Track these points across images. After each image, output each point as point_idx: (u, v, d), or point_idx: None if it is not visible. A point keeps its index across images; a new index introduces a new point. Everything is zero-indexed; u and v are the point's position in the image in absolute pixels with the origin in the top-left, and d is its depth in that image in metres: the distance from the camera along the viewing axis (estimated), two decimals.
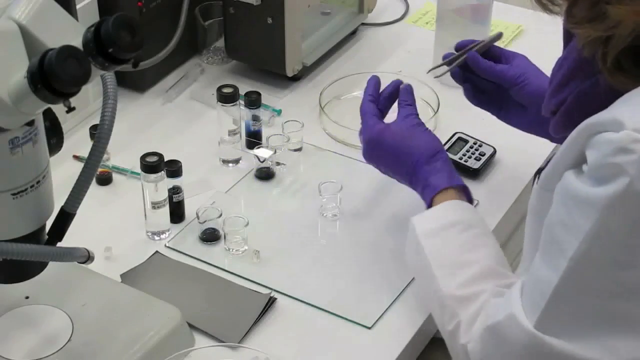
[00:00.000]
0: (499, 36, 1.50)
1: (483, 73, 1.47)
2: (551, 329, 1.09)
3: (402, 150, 1.39)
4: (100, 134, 1.11)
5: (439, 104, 1.71)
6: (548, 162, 1.17)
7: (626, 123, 1.01)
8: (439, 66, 1.50)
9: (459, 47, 1.49)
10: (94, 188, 1.52)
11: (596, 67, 1.08)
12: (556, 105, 1.17)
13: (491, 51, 1.49)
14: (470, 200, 1.36)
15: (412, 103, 1.45)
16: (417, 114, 1.44)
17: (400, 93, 1.47)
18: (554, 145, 1.62)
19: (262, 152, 1.57)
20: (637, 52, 1.05)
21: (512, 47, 1.89)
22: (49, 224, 1.15)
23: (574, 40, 1.12)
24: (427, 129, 1.42)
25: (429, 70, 1.55)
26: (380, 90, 1.48)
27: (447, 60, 1.49)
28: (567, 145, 1.10)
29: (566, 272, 1.07)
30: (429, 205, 1.34)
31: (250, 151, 1.59)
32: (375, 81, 1.49)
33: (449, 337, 1.23)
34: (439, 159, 1.37)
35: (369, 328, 1.34)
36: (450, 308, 1.22)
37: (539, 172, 1.21)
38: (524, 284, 1.14)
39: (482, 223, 1.32)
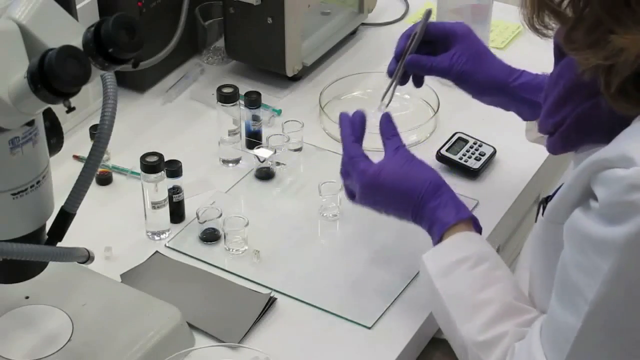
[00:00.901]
0: (428, 14, 1.45)
1: (428, 74, 1.46)
2: None
3: (403, 189, 1.32)
4: (100, 134, 1.11)
5: (439, 104, 1.71)
6: (555, 192, 1.13)
7: (636, 159, 0.98)
8: (386, 92, 1.46)
9: (398, 53, 1.46)
10: (94, 188, 1.52)
11: (595, 89, 1.05)
12: (553, 126, 1.14)
13: (431, 32, 1.45)
14: (479, 229, 1.31)
15: (397, 133, 1.38)
16: (405, 144, 1.37)
17: (381, 124, 1.38)
18: None
19: (262, 152, 1.57)
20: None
21: (512, 47, 1.90)
22: (49, 224, 1.15)
23: (568, 57, 1.10)
24: (421, 161, 1.36)
25: (381, 105, 1.47)
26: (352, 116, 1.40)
27: (392, 81, 1.45)
28: (573, 180, 1.07)
29: (588, 316, 1.04)
30: (439, 240, 1.29)
31: (250, 151, 1.59)
32: (354, 119, 1.39)
33: None
34: (443, 193, 1.31)
35: (369, 328, 1.34)
36: (473, 354, 1.20)
37: (544, 201, 1.17)
38: (542, 327, 1.12)
39: (493, 254, 1.27)
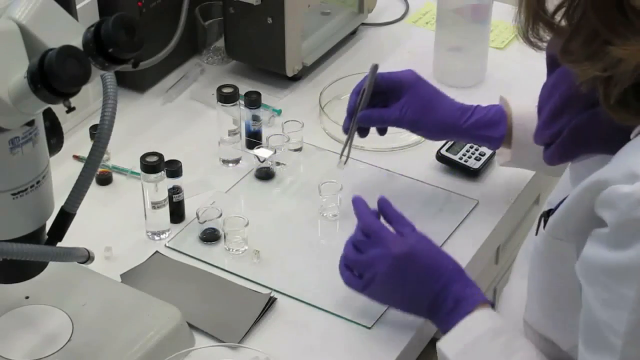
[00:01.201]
0: (375, 69, 1.46)
1: (382, 126, 1.49)
2: None
3: (437, 264, 1.28)
4: (100, 134, 1.10)
5: None
6: (557, 206, 1.10)
7: None
8: (343, 149, 1.48)
9: (350, 111, 1.48)
10: (94, 188, 1.52)
11: (592, 99, 1.02)
12: (550, 137, 1.13)
13: (380, 85, 1.47)
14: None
15: (404, 216, 1.35)
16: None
17: (383, 210, 1.36)
18: None
19: (262, 152, 1.57)
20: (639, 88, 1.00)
21: (512, 48, 1.90)
22: (49, 224, 1.15)
23: (562, 67, 1.08)
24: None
25: (339, 162, 1.49)
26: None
27: (347, 138, 1.48)
28: (575, 198, 1.05)
29: (625, 349, 0.99)
30: (459, 318, 1.24)
31: (250, 151, 1.59)
32: (366, 205, 1.36)
33: None
34: (466, 274, 1.29)
35: (369, 328, 1.34)
36: None
37: (545, 215, 1.13)
38: None
39: (511, 326, 1.23)
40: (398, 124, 1.47)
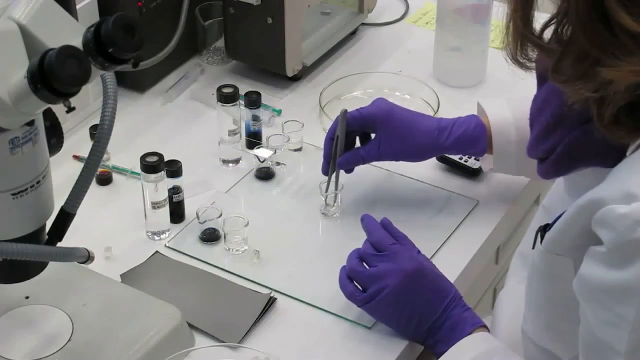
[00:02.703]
0: (344, 114, 1.47)
1: (360, 165, 1.50)
2: None
3: (441, 285, 1.29)
4: (100, 134, 1.10)
5: (439, 104, 1.71)
6: (554, 222, 1.10)
7: (639, 194, 0.95)
8: (327, 191, 1.49)
9: (326, 157, 1.49)
10: (94, 188, 1.52)
11: (585, 115, 1.02)
12: (544, 153, 1.12)
13: (352, 125, 1.47)
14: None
15: (407, 237, 1.35)
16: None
17: (388, 228, 1.35)
18: None
19: (262, 152, 1.57)
20: (633, 106, 0.98)
21: None
22: (49, 224, 1.15)
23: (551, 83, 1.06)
24: None
25: (326, 208, 1.51)
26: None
27: (327, 181, 1.49)
28: (572, 215, 1.05)
29: None
30: (456, 340, 1.25)
31: (250, 151, 1.59)
32: (375, 221, 1.37)
33: None
34: (463, 299, 1.31)
35: (369, 328, 1.34)
36: None
37: (542, 230, 1.13)
38: None
39: (503, 347, 1.24)
40: (379, 159, 1.49)
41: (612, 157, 1.03)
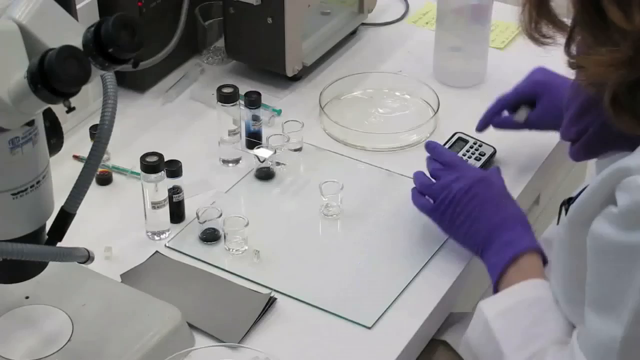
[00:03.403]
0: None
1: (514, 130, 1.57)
2: None
3: (506, 198, 1.38)
4: (100, 134, 1.11)
5: (439, 104, 1.71)
6: (577, 195, 1.15)
7: None
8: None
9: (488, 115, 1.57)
10: (94, 188, 1.52)
11: None
12: (576, 134, 1.17)
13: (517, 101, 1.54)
14: (545, 260, 1.34)
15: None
16: None
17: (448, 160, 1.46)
18: (551, 143, 1.62)
19: (262, 152, 1.57)
20: (631, 92, 1.04)
21: (512, 48, 1.90)
22: (49, 224, 1.16)
23: None
24: None
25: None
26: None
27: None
28: (597, 184, 1.08)
29: (631, 324, 1.04)
30: (509, 260, 1.32)
31: (250, 151, 1.59)
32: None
33: None
34: (522, 221, 1.37)
35: (369, 328, 1.34)
36: None
37: (566, 203, 1.18)
38: (582, 341, 1.12)
39: (550, 298, 1.27)
40: (536, 128, 1.55)
41: None
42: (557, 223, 1.21)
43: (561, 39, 1.09)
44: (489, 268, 1.34)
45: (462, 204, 1.37)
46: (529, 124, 1.54)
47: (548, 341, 1.21)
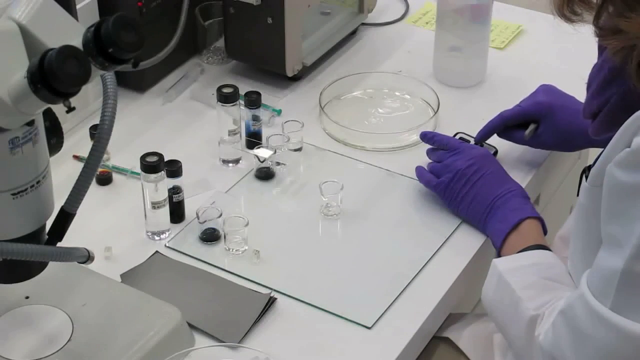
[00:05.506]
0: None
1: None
2: (624, 312, 1.11)
3: (503, 175, 1.47)
4: (100, 134, 1.10)
5: (439, 104, 1.71)
6: (596, 160, 1.19)
7: None
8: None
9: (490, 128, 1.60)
10: (94, 188, 1.52)
11: None
12: (599, 107, 1.20)
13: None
14: (545, 230, 1.41)
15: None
16: None
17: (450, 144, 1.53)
18: None
19: (262, 152, 1.57)
20: None
21: (512, 47, 1.90)
22: (49, 224, 1.16)
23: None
24: None
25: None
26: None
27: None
28: (615, 140, 1.13)
29: (631, 257, 1.08)
30: (512, 225, 1.39)
31: (250, 151, 1.59)
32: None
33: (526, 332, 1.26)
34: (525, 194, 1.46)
35: (369, 328, 1.34)
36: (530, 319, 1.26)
37: (586, 170, 1.23)
38: (589, 278, 1.16)
39: (564, 267, 1.32)
40: (538, 147, 1.60)
41: None
42: (577, 194, 1.25)
43: (588, 16, 1.14)
44: (493, 234, 1.41)
45: (467, 176, 1.46)
46: (530, 142, 1.58)
47: (563, 291, 1.25)
